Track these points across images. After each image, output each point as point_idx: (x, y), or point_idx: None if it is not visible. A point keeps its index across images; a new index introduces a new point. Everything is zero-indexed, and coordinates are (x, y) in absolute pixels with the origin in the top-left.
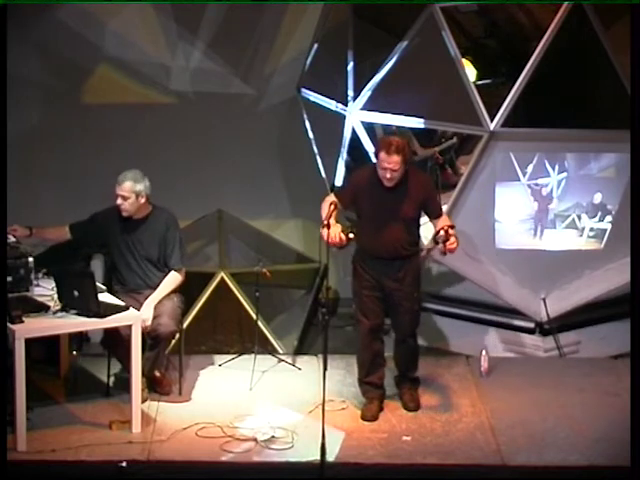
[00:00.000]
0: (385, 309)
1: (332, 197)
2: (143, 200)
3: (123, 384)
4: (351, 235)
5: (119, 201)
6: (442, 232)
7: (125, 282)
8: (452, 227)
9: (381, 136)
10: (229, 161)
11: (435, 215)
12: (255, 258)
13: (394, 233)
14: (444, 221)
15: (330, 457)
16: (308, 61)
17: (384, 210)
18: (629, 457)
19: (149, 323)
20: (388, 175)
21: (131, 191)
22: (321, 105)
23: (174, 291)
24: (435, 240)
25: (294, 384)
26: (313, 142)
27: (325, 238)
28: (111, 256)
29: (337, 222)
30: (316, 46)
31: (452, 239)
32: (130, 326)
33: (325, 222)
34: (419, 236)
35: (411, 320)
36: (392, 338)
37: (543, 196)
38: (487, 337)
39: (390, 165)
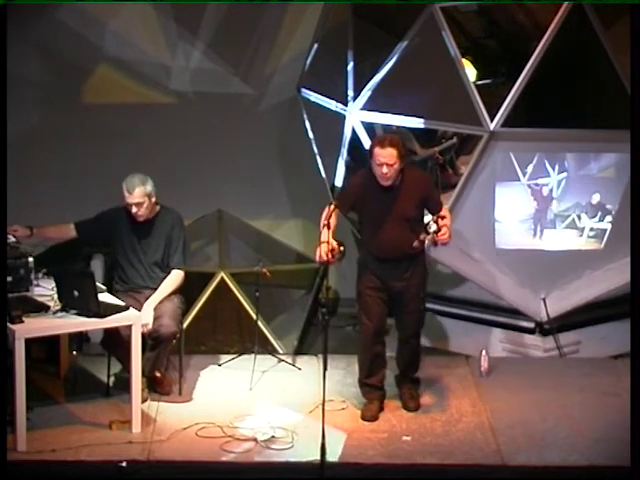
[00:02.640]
0: (389, 311)
1: (331, 208)
2: (154, 200)
3: (123, 384)
4: (342, 248)
5: (134, 210)
6: (432, 222)
7: (127, 280)
8: (443, 217)
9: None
10: (229, 161)
11: (438, 209)
12: (255, 258)
13: (398, 233)
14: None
15: (332, 457)
16: (308, 61)
17: (385, 211)
18: (629, 457)
19: (150, 327)
20: (384, 170)
21: (144, 195)
22: (321, 105)
23: (174, 292)
24: (427, 231)
25: (294, 384)
26: (313, 142)
27: (319, 257)
28: (114, 254)
29: (332, 235)
30: (316, 46)
31: (444, 229)
32: (130, 326)
33: (323, 224)
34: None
35: (416, 320)
36: (393, 338)
37: (543, 196)
38: (487, 337)
39: (385, 159)
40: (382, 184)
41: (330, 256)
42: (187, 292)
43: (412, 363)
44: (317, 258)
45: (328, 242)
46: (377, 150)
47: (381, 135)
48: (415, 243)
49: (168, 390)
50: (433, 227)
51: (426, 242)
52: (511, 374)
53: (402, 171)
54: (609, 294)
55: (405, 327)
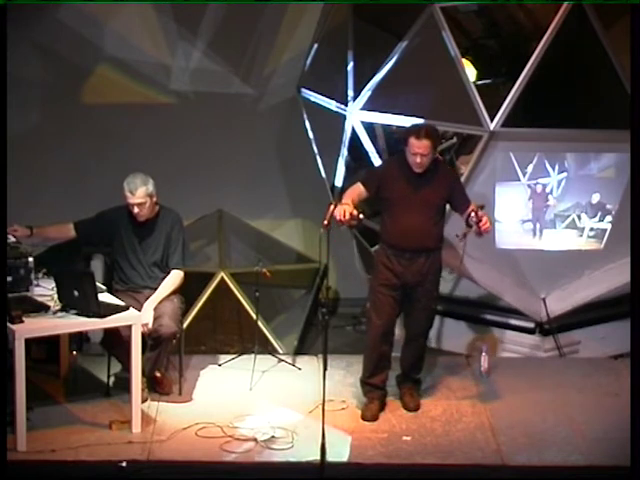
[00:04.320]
0: (399, 311)
1: (358, 185)
2: (155, 199)
3: (123, 384)
4: (361, 216)
5: (136, 210)
6: (472, 214)
7: (127, 280)
8: (482, 207)
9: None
10: (229, 161)
11: (464, 206)
12: (255, 258)
13: (421, 221)
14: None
15: (332, 457)
16: (308, 61)
17: (412, 196)
18: (629, 457)
19: (150, 327)
20: (418, 160)
21: (145, 195)
22: (321, 105)
23: (174, 292)
24: (468, 223)
25: (294, 384)
26: (313, 142)
27: (336, 215)
28: (114, 254)
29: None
30: (316, 46)
31: (484, 219)
32: (130, 326)
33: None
34: (443, 231)
35: (426, 318)
36: (397, 341)
37: (543, 196)
38: (487, 337)
39: (420, 150)
40: (414, 170)
41: (348, 217)
42: (187, 292)
43: (416, 364)
44: (337, 216)
45: (349, 205)
46: (412, 140)
47: (417, 124)
48: (459, 237)
49: (168, 390)
50: (474, 219)
51: (467, 235)
52: (511, 374)
53: (434, 161)
54: (609, 294)
55: (414, 324)
